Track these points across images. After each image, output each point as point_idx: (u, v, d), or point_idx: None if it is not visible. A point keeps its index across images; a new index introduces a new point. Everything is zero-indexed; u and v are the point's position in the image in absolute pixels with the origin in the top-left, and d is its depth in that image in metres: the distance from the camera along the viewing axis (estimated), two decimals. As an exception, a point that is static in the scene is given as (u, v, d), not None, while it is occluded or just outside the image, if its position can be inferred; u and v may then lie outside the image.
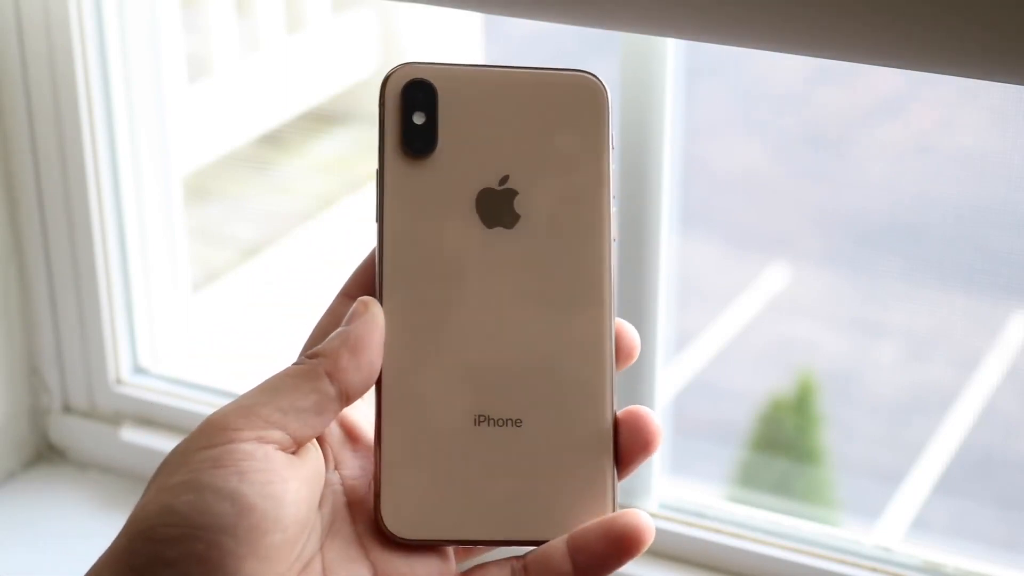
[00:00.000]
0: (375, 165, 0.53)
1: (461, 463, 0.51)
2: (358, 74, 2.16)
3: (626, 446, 0.52)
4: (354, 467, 0.53)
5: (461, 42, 2.42)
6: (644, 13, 0.76)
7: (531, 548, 0.52)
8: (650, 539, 0.51)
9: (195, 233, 1.81)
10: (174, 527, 0.47)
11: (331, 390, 0.50)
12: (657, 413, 0.95)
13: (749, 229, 2.70)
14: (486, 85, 0.53)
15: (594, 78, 0.54)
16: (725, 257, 2.64)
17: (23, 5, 1.02)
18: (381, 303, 0.51)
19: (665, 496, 0.97)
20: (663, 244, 0.91)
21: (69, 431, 1.13)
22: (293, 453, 0.50)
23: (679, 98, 0.89)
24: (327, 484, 0.52)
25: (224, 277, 1.93)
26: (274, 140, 1.93)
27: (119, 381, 1.11)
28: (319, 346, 0.51)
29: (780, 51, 0.75)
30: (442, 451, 0.51)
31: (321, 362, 0.50)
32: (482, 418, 0.52)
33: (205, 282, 1.84)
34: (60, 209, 1.07)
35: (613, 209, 0.54)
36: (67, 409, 1.13)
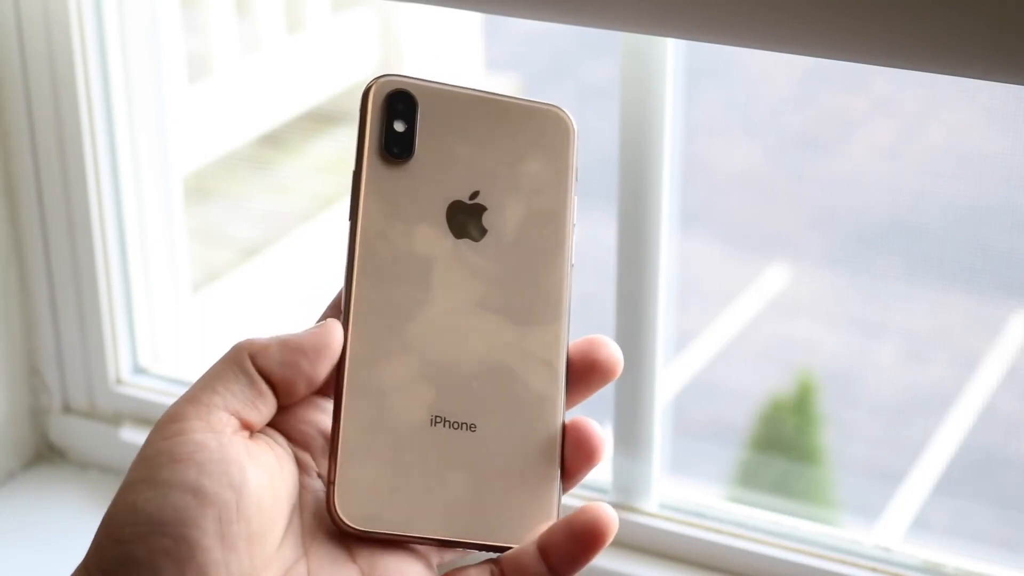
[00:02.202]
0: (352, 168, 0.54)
1: (415, 461, 0.52)
2: (358, 74, 2.17)
3: (571, 456, 0.54)
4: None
5: (461, 42, 2.42)
6: (644, 13, 0.76)
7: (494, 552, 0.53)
8: (613, 529, 0.52)
9: (195, 233, 1.81)
10: (139, 525, 0.47)
11: (255, 372, 0.51)
12: (658, 416, 0.95)
13: (749, 229, 2.70)
14: (463, 105, 0.55)
15: (563, 112, 0.57)
16: (725, 257, 2.64)
17: (23, 5, 1.02)
18: (349, 297, 0.53)
19: (665, 496, 0.97)
20: (663, 244, 0.91)
21: (69, 431, 1.13)
22: (249, 439, 0.50)
23: (679, 98, 0.89)
24: (310, 491, 0.52)
25: (224, 277, 1.93)
26: (274, 140, 1.93)
27: (119, 381, 1.11)
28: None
29: (780, 51, 0.75)
30: (398, 447, 0.52)
31: (244, 344, 0.51)
32: (438, 419, 0.53)
33: (205, 282, 1.84)
34: (60, 209, 1.07)
35: (574, 234, 0.56)
36: (67, 409, 1.13)
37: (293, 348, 0.51)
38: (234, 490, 0.48)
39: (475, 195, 0.55)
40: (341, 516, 0.51)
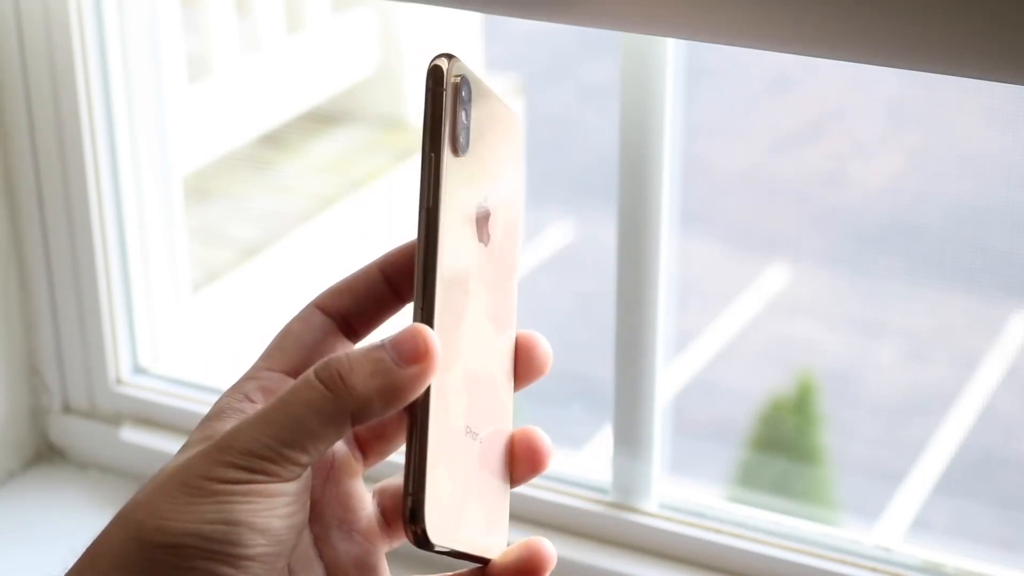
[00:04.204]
0: (422, 148, 0.51)
1: (462, 474, 0.51)
2: (358, 74, 2.17)
3: (520, 466, 0.54)
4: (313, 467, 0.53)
5: (461, 42, 2.42)
6: (644, 13, 0.76)
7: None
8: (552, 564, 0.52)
9: (195, 233, 1.81)
10: (206, 551, 0.47)
11: (351, 427, 0.49)
12: (658, 416, 0.95)
13: (749, 229, 2.71)
14: (486, 101, 0.53)
15: (518, 116, 0.56)
16: (725, 257, 2.64)
17: (23, 5, 1.02)
18: (432, 296, 0.49)
19: (665, 496, 0.97)
20: (663, 244, 0.91)
21: (69, 431, 1.13)
22: (304, 473, 0.50)
23: (679, 98, 0.89)
24: None
25: (224, 277, 1.93)
26: (274, 140, 1.93)
27: (119, 381, 1.11)
28: (354, 372, 0.49)
29: (780, 51, 0.75)
30: (456, 459, 0.50)
31: (349, 404, 0.48)
32: (468, 429, 0.51)
33: (205, 282, 1.84)
34: (60, 209, 1.07)
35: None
36: (67, 409, 1.13)
37: (391, 398, 0.48)
38: (296, 530, 0.49)
39: (487, 198, 0.53)
40: (430, 534, 0.48)
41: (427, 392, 0.49)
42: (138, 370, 1.12)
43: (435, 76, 0.50)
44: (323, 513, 0.53)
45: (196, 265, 1.51)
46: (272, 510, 0.48)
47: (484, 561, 0.52)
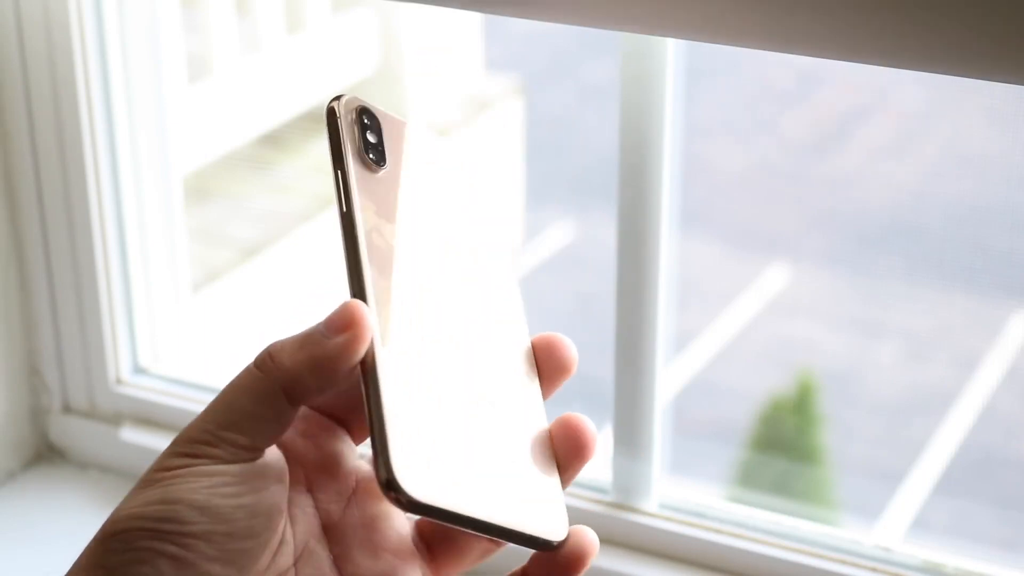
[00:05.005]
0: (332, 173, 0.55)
1: (460, 437, 0.51)
2: (358, 74, 2.17)
3: (564, 454, 0.54)
4: (330, 492, 0.53)
5: (461, 42, 2.42)
6: (644, 13, 0.76)
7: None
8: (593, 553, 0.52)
9: (195, 233, 1.81)
10: (149, 530, 0.48)
11: (288, 405, 0.50)
12: (658, 416, 0.95)
13: (749, 229, 2.71)
14: (400, 131, 0.57)
15: (459, 148, 0.60)
16: (725, 257, 2.64)
17: (23, 5, 1.02)
18: (352, 276, 0.52)
19: (665, 496, 0.97)
20: (663, 244, 0.91)
21: (69, 431, 1.13)
22: (256, 459, 0.50)
23: (679, 98, 0.89)
24: (299, 506, 0.52)
25: (224, 277, 1.93)
26: (274, 140, 1.93)
27: (119, 381, 1.11)
28: (283, 349, 0.50)
29: (780, 51, 0.75)
30: (443, 421, 0.51)
31: (278, 379, 0.50)
32: (468, 397, 0.52)
33: (205, 282, 1.84)
34: (60, 209, 1.07)
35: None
36: (67, 409, 1.13)
37: (321, 371, 0.50)
38: (244, 510, 0.49)
39: (429, 215, 0.56)
40: (402, 485, 0.48)
41: (374, 360, 0.50)
42: (138, 370, 1.12)
43: (330, 110, 0.56)
44: (344, 534, 0.53)
45: (196, 265, 1.51)
46: (211, 488, 0.49)
47: (543, 544, 0.51)
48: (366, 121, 0.56)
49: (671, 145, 0.89)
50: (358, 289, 0.51)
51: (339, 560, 0.53)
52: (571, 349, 0.55)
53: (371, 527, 0.53)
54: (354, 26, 2.20)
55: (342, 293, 0.54)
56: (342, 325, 0.50)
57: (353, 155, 0.55)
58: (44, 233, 1.08)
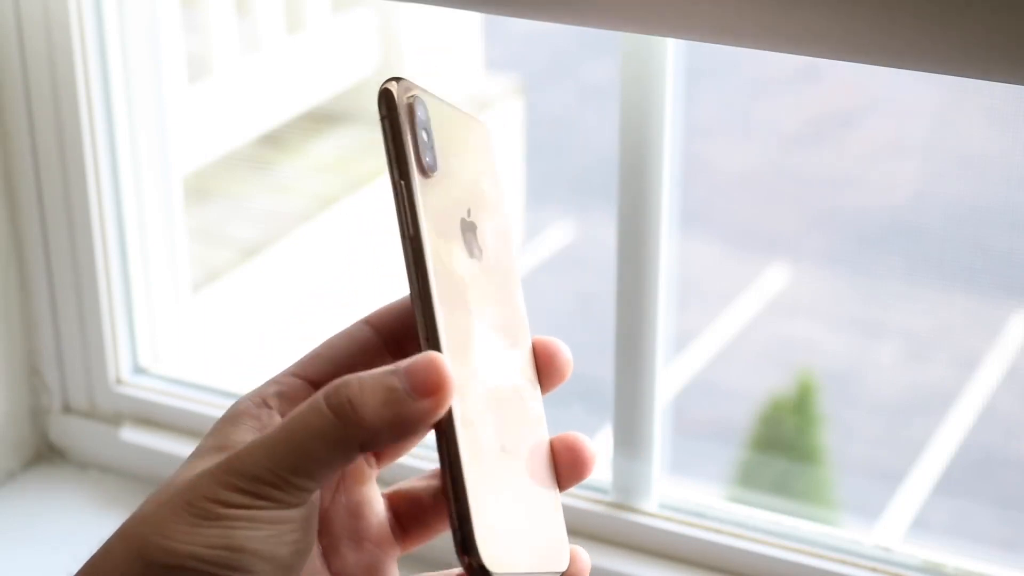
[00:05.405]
0: (391, 177, 0.50)
1: (509, 495, 0.49)
2: (358, 74, 2.17)
3: (565, 473, 0.53)
4: None
5: (461, 42, 2.42)
6: (644, 13, 0.76)
7: None
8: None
9: (195, 233, 1.81)
10: (209, 574, 0.47)
11: (360, 454, 0.48)
12: (658, 416, 0.95)
13: (749, 229, 2.71)
14: (448, 116, 0.52)
15: (487, 125, 0.54)
16: (725, 257, 2.64)
17: (23, 5, 1.02)
18: (435, 325, 0.48)
19: (665, 496, 0.97)
20: (663, 244, 0.91)
21: (69, 431, 1.13)
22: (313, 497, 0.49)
23: (679, 98, 0.89)
24: None
25: (224, 277, 1.93)
26: (274, 140, 1.93)
27: (119, 381, 1.11)
28: (364, 402, 0.47)
29: (780, 51, 0.75)
30: (496, 481, 0.49)
31: (357, 435, 0.47)
32: (504, 448, 0.50)
33: (205, 282, 1.84)
34: (60, 209, 1.07)
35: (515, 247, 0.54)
36: (67, 409, 1.13)
37: (402, 431, 0.47)
38: (302, 556, 0.48)
39: (469, 212, 0.52)
40: (487, 563, 0.46)
41: (451, 419, 0.47)
42: (138, 370, 1.12)
43: (387, 101, 0.49)
44: (332, 524, 0.52)
45: (196, 265, 1.51)
46: (277, 537, 0.47)
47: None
48: (419, 114, 0.49)
49: (671, 145, 0.89)
50: (431, 334, 0.48)
51: (327, 552, 0.52)
52: (568, 355, 0.54)
53: (356, 514, 0.53)
54: (354, 26, 2.20)
55: (381, 297, 0.52)
56: (429, 388, 0.47)
57: (415, 161, 0.49)
58: (44, 233, 1.08)
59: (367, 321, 0.53)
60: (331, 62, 2.15)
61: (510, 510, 0.49)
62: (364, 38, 2.19)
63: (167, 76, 1.07)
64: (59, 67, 1.03)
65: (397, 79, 0.49)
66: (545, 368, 0.53)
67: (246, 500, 0.47)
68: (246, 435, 0.50)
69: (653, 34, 0.83)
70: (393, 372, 0.47)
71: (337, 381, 0.47)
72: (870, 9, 0.70)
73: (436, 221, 0.49)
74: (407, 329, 0.52)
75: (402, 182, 0.48)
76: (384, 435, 0.47)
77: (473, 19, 2.34)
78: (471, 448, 0.47)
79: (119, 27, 1.04)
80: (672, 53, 0.87)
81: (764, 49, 0.75)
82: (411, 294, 0.48)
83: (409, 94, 0.49)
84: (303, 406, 0.47)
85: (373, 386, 0.47)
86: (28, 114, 1.05)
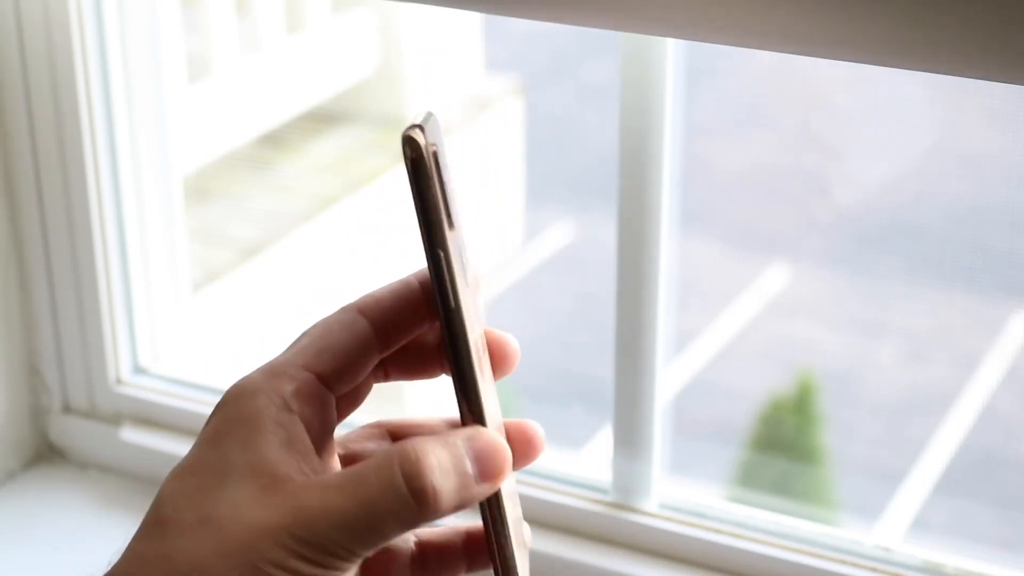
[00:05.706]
0: (423, 240, 0.47)
1: (519, 533, 0.51)
2: (358, 74, 2.17)
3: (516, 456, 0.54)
4: None
5: (461, 42, 2.42)
6: (644, 13, 0.76)
7: None
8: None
9: (195, 233, 1.81)
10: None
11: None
12: (658, 416, 0.95)
13: (749, 229, 2.71)
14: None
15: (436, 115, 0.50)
16: (725, 257, 2.64)
17: (23, 5, 1.02)
18: (470, 397, 0.49)
19: (665, 496, 0.97)
20: (663, 244, 0.91)
21: (69, 431, 1.13)
22: None
23: (679, 98, 0.89)
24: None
25: (224, 277, 1.93)
26: (274, 140, 1.94)
27: (119, 381, 1.11)
28: (443, 491, 0.48)
29: (780, 51, 0.75)
30: (518, 531, 0.51)
31: (431, 518, 0.48)
32: (510, 493, 0.52)
33: (205, 282, 1.84)
34: (60, 209, 1.07)
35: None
36: (67, 409, 1.13)
37: (465, 506, 0.49)
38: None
39: (463, 243, 0.50)
40: None
41: (499, 495, 0.49)
42: (138, 370, 1.12)
43: (414, 154, 0.46)
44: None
45: (196, 265, 1.51)
46: None
47: None
48: (440, 162, 0.46)
49: (671, 145, 0.89)
50: (475, 408, 0.49)
51: None
52: (516, 348, 0.54)
53: (380, 562, 0.53)
54: (354, 26, 2.20)
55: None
56: (494, 473, 0.49)
57: (446, 221, 0.46)
58: (44, 233, 1.08)
59: (360, 311, 0.52)
60: (331, 62, 2.15)
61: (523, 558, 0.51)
62: (364, 38, 2.19)
63: (167, 76, 1.07)
64: (59, 67, 1.03)
65: (420, 126, 0.46)
66: (495, 360, 0.53)
67: (310, 568, 0.47)
68: (278, 450, 0.49)
69: (653, 34, 0.83)
70: (464, 455, 0.49)
71: (413, 455, 0.48)
72: (871, 9, 0.70)
73: (463, 279, 0.48)
74: (398, 322, 0.52)
75: (439, 252, 0.47)
76: (447, 514, 0.49)
77: (473, 19, 2.34)
78: (510, 518, 0.50)
79: (119, 27, 1.04)
80: (672, 53, 0.87)
81: (764, 49, 0.75)
82: (450, 363, 0.48)
83: (431, 143, 0.46)
84: (380, 478, 0.48)
85: (448, 470, 0.48)
86: (28, 114, 1.05)
